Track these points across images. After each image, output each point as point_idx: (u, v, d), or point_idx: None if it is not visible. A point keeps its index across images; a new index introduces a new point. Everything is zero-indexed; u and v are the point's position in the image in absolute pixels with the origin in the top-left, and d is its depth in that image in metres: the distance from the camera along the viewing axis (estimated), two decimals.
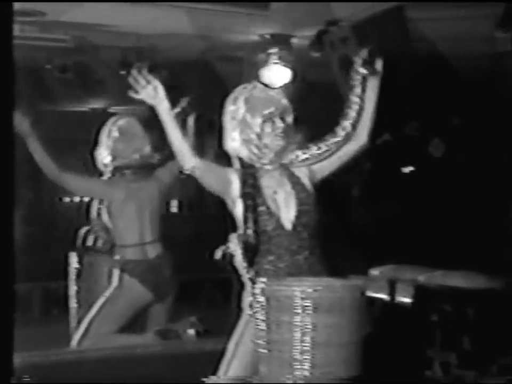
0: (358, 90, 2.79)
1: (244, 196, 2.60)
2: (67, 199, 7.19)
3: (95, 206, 4.03)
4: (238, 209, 2.63)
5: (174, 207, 7.54)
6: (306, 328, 2.30)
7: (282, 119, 2.67)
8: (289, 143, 2.67)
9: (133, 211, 3.91)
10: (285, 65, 5.49)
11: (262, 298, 2.38)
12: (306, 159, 2.73)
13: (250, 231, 2.56)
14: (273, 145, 2.64)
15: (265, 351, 2.36)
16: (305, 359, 2.29)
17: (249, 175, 2.64)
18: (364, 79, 2.79)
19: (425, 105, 5.57)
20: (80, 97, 6.61)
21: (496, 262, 4.50)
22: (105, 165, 3.99)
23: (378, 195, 5.76)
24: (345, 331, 2.32)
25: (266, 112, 2.64)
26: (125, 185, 3.95)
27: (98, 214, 3.99)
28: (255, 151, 2.64)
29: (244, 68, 5.59)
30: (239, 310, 2.64)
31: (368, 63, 2.74)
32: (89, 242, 4.07)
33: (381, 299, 3.99)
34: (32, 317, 5.67)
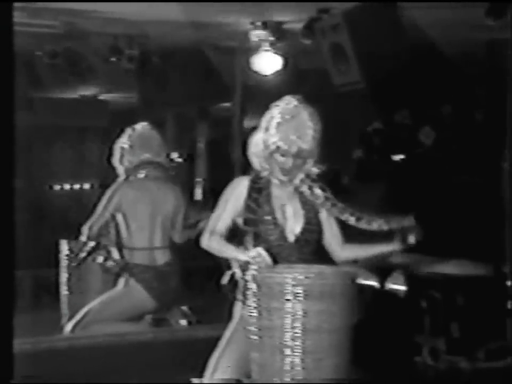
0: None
1: (247, 208, 2.60)
2: (57, 187, 7.17)
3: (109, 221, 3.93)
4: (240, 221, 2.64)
5: (198, 193, 7.51)
6: (297, 314, 2.31)
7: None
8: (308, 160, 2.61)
9: (146, 214, 3.86)
10: (276, 53, 5.47)
11: (253, 285, 2.39)
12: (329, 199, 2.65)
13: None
14: (290, 168, 2.60)
15: (256, 337, 2.38)
16: (296, 345, 2.31)
17: (256, 189, 2.62)
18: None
19: (416, 93, 5.58)
20: (71, 84, 6.56)
21: (485, 249, 4.53)
22: (119, 164, 3.96)
23: (369, 183, 5.78)
24: (336, 318, 2.34)
25: (293, 137, 2.57)
26: (140, 186, 3.91)
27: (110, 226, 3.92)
28: (280, 158, 2.59)
29: (235, 55, 5.57)
30: (234, 298, 2.64)
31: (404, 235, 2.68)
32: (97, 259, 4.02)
33: (371, 286, 4.03)
34: (22, 304, 5.67)
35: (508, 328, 4.19)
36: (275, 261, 2.52)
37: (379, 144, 6.13)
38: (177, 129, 7.33)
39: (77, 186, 6.64)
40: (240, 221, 2.64)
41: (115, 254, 3.92)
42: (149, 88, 6.42)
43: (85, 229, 3.83)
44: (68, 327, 3.90)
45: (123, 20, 5.17)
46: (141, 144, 3.94)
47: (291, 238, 2.60)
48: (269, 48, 5.44)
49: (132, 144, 3.94)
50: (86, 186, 6.24)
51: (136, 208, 3.86)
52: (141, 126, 4.02)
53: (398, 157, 6.09)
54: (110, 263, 3.90)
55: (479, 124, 5.65)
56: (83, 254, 3.94)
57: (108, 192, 3.90)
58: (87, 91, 7.31)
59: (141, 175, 3.92)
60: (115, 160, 3.99)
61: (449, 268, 4.30)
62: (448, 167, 5.69)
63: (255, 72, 5.49)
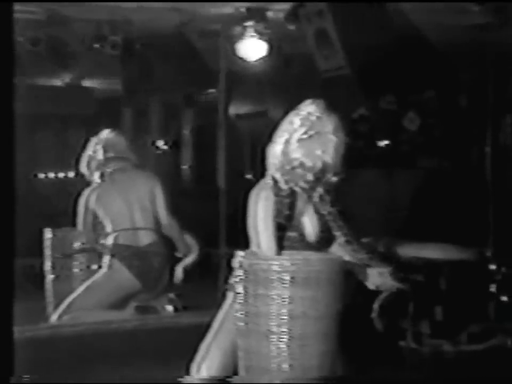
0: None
1: (277, 225, 2.51)
2: (42, 176, 7.12)
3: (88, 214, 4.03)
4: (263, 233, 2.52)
5: (160, 144, 7.48)
6: (283, 301, 2.33)
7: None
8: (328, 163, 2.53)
9: (121, 199, 3.97)
10: (260, 39, 5.45)
11: (240, 271, 2.40)
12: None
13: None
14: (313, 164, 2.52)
15: (242, 324, 2.39)
16: (283, 331, 2.33)
17: (285, 204, 2.53)
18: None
19: (401, 78, 5.59)
20: (53, 71, 6.50)
21: (468, 233, 4.57)
22: (93, 168, 4.05)
23: (355, 169, 5.80)
24: (322, 304, 2.35)
25: (318, 152, 2.49)
26: (111, 177, 4.01)
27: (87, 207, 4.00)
28: (301, 172, 2.52)
29: (219, 41, 5.54)
30: (225, 285, 2.64)
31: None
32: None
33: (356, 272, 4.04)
34: None
35: (490, 311, 4.25)
36: None
37: (364, 130, 6.15)
38: (162, 116, 7.29)
39: (61, 174, 6.60)
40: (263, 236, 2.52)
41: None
42: (133, 75, 6.38)
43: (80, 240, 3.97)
44: (54, 316, 3.90)
45: (106, 5, 5.12)
46: (106, 148, 4.04)
47: (312, 239, 2.57)
48: (253, 34, 5.42)
49: (98, 150, 4.05)
50: (71, 174, 6.20)
51: (111, 199, 4.00)
52: (106, 133, 4.13)
53: (383, 143, 6.11)
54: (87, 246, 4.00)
55: (462, 109, 5.68)
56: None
57: (82, 200, 3.98)
58: (71, 78, 7.24)
59: (109, 169, 4.00)
60: (83, 168, 4.09)
61: (433, 253, 4.34)
62: (432, 152, 5.72)
63: (240, 58, 5.46)
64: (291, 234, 2.55)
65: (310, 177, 2.52)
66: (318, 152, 2.51)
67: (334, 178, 2.56)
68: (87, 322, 3.77)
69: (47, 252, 4.19)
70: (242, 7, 5.30)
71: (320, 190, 2.56)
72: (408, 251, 4.42)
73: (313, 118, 2.53)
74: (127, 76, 6.55)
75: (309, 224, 2.57)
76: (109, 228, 3.97)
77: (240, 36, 5.43)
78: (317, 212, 2.57)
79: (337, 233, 2.58)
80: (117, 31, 5.38)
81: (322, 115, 2.54)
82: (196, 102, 7.29)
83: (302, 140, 2.51)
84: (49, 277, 4.17)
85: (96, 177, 4.05)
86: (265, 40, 5.48)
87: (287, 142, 2.53)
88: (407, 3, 4.97)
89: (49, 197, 5.98)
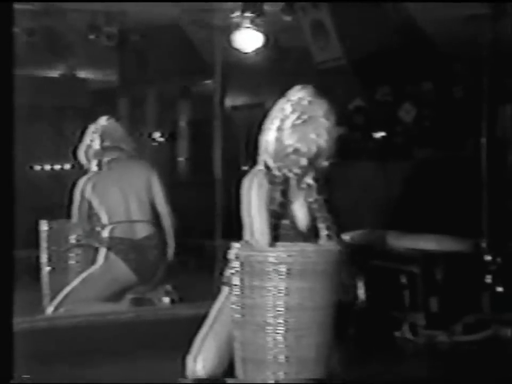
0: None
1: (271, 212, 2.51)
2: (37, 167, 7.10)
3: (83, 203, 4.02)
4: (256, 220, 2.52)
5: (157, 136, 7.47)
6: (279, 292, 2.33)
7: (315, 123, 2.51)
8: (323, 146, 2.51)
9: (116, 190, 3.95)
10: (256, 30, 5.44)
11: (236, 263, 2.40)
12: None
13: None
14: (306, 150, 2.51)
15: (239, 315, 2.40)
16: (279, 323, 2.33)
17: (278, 191, 2.53)
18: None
19: (396, 69, 5.59)
20: (49, 62, 6.47)
21: (463, 225, 4.58)
22: (91, 156, 4.04)
23: (350, 161, 5.80)
24: (318, 295, 2.36)
25: (312, 136, 2.48)
26: (105, 170, 4.00)
27: (83, 197, 4.00)
28: (295, 157, 2.52)
29: (215, 32, 5.52)
30: (221, 277, 2.65)
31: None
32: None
33: (351, 264, 4.05)
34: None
35: (485, 302, 4.27)
36: None
37: (361, 122, 6.14)
38: (158, 108, 7.27)
39: (57, 166, 6.59)
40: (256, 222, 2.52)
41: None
42: (129, 66, 6.36)
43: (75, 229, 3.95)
44: (50, 308, 3.90)
45: None
46: (103, 137, 4.03)
47: (303, 229, 2.59)
48: (249, 25, 5.40)
49: (95, 138, 4.04)
50: (67, 166, 6.19)
51: (107, 189, 3.97)
52: (104, 120, 4.11)
53: (379, 134, 6.11)
54: (85, 240, 3.99)
55: (458, 100, 5.68)
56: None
57: (77, 189, 3.97)
58: (66, 69, 7.21)
59: (106, 158, 4.00)
60: (81, 157, 4.08)
61: (428, 244, 4.35)
62: (427, 143, 5.73)
63: (236, 49, 5.45)
64: (285, 222, 2.55)
65: (304, 162, 2.52)
66: (312, 136, 2.50)
67: (325, 163, 2.55)
68: (83, 314, 3.77)
69: (43, 244, 4.19)
70: None
71: (308, 177, 2.56)
72: (404, 242, 4.43)
73: (305, 102, 2.53)
74: (122, 67, 6.53)
75: (300, 212, 2.58)
76: (104, 219, 3.96)
77: (236, 27, 5.41)
78: (305, 199, 2.58)
79: (320, 225, 2.57)
80: (113, 22, 5.36)
81: (313, 100, 2.54)
82: (191, 93, 7.27)
83: (295, 125, 2.51)
84: (46, 269, 4.17)
85: (93, 165, 4.04)
86: (261, 32, 5.46)
87: (280, 128, 2.52)
88: None
89: (45, 189, 5.96)
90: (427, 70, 5.68)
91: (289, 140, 2.51)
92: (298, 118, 2.51)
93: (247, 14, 5.32)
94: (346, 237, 4.16)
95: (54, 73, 7.22)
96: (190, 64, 6.16)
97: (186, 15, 5.46)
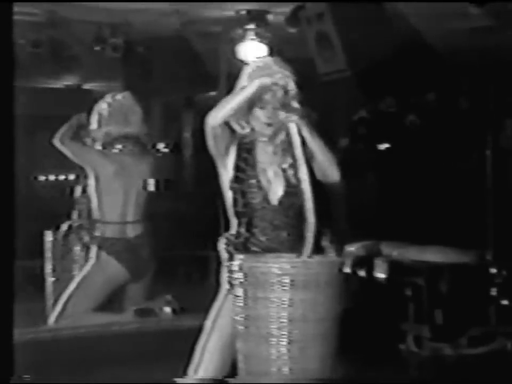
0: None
1: (237, 168, 2.58)
2: (42, 178, 7.11)
3: (81, 183, 3.99)
4: (226, 179, 2.61)
5: (151, 185, 7.52)
6: (283, 304, 2.32)
7: (284, 90, 2.54)
8: (289, 115, 2.52)
9: (119, 187, 3.90)
10: (261, 42, 5.46)
11: (239, 275, 2.40)
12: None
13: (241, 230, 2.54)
14: (273, 118, 2.55)
15: (242, 327, 2.39)
16: (282, 334, 2.32)
17: (244, 149, 2.60)
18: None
19: (401, 80, 5.59)
20: (54, 73, 6.50)
21: (469, 236, 4.57)
22: (95, 135, 3.94)
23: (355, 172, 5.80)
24: (321, 307, 2.35)
25: (275, 68, 2.54)
26: (117, 159, 3.93)
27: (84, 191, 3.96)
28: (261, 115, 2.56)
29: (220, 44, 5.55)
30: (217, 285, 2.65)
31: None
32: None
33: (356, 275, 4.05)
34: None
35: (491, 315, 4.24)
36: (264, 247, 2.53)
37: (365, 133, 6.15)
38: (162, 119, 7.29)
39: (62, 177, 6.60)
40: (226, 181, 2.62)
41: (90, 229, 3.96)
42: (134, 77, 6.38)
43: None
44: (51, 318, 3.90)
45: (106, 8, 5.13)
46: (120, 115, 3.92)
47: (274, 201, 2.59)
48: (254, 37, 5.42)
49: (111, 113, 3.91)
50: (71, 177, 6.20)
51: (110, 183, 3.88)
52: (122, 96, 4.00)
53: (383, 146, 6.11)
54: (86, 238, 3.96)
55: (463, 111, 5.68)
56: None
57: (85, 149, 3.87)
58: (71, 80, 7.24)
59: (116, 149, 3.93)
60: (92, 125, 3.97)
61: (433, 256, 4.33)
62: (432, 155, 5.72)
63: (241, 60, 5.47)
64: (252, 181, 2.55)
65: (268, 113, 2.52)
66: (275, 68, 2.53)
67: (296, 105, 2.52)
68: (87, 325, 3.77)
69: (48, 254, 4.19)
70: (243, 9, 5.30)
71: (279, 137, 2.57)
72: (409, 254, 4.41)
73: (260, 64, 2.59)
74: (127, 78, 6.55)
75: (274, 183, 2.58)
76: (96, 215, 3.90)
77: (241, 39, 5.43)
78: (279, 165, 2.58)
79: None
80: (118, 33, 5.39)
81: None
82: (196, 104, 7.29)
83: (251, 73, 2.54)
84: (50, 280, 4.17)
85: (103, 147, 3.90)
86: (266, 43, 5.48)
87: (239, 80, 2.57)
88: (408, 7, 4.98)
89: (49, 199, 5.97)
90: (432, 82, 5.69)
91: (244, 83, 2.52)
92: (252, 67, 2.58)
93: (252, 26, 5.35)
94: (351, 248, 4.15)
95: (59, 84, 7.26)
96: (194, 75, 6.18)
97: (191, 27, 5.49)
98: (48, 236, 4.21)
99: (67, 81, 7.29)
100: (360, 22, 5.13)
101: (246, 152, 2.60)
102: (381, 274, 4.14)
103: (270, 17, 5.46)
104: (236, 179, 2.59)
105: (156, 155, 4.11)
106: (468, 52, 5.43)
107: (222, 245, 2.64)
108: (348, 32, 5.24)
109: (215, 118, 2.52)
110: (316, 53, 5.35)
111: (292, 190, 2.60)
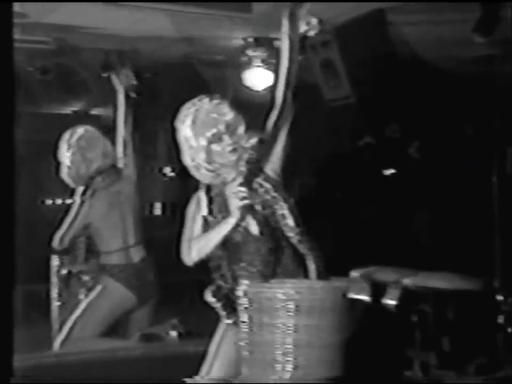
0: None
1: (210, 212, 2.62)
2: (49, 202, 7.14)
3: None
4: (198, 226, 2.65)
5: (157, 209, 7.55)
6: (288, 329, 2.32)
7: (231, 134, 2.61)
8: (243, 152, 2.62)
9: (117, 217, 3.93)
10: (268, 68, 5.50)
11: (244, 300, 2.39)
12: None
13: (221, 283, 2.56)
14: (226, 161, 2.60)
15: (247, 353, 2.38)
16: (288, 360, 2.31)
17: (214, 194, 2.64)
18: None
19: (405, 107, 5.63)
20: (62, 99, 6.57)
21: (476, 263, 4.55)
22: (76, 177, 3.99)
23: (360, 197, 5.80)
24: (326, 332, 2.34)
25: (209, 134, 2.58)
26: (104, 194, 3.96)
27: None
28: (208, 173, 2.61)
29: (227, 71, 5.60)
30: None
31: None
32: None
33: (361, 301, 4.03)
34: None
35: (498, 343, 4.20)
36: (256, 277, 2.54)
37: (370, 159, 6.17)
38: (169, 143, 7.33)
39: (69, 201, 6.62)
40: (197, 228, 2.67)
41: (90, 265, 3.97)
42: (141, 103, 6.44)
43: (55, 241, 3.89)
44: (56, 343, 3.89)
45: (114, 35, 5.20)
46: (86, 150, 3.94)
47: (255, 231, 2.60)
48: (260, 64, 5.47)
49: (76, 151, 3.94)
50: (78, 200, 6.23)
51: (105, 216, 3.92)
52: (83, 129, 4.04)
53: (388, 171, 6.12)
54: (84, 278, 3.96)
55: (468, 138, 5.70)
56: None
57: (75, 206, 3.94)
58: (79, 107, 7.31)
59: (99, 183, 3.96)
60: (63, 173, 4.02)
61: (440, 282, 4.31)
62: (437, 182, 5.73)
63: (247, 87, 5.51)
64: (235, 234, 2.56)
65: (225, 151, 2.57)
66: (214, 115, 2.60)
67: (253, 140, 2.65)
68: (92, 350, 3.75)
69: (54, 279, 4.19)
70: (250, 36, 5.36)
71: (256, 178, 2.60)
72: (415, 281, 4.39)
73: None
74: (135, 104, 6.61)
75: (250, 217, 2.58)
76: (101, 247, 3.93)
77: (247, 65, 5.48)
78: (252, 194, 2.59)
79: (309, 262, 2.57)
80: (125, 60, 5.45)
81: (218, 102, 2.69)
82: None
83: (192, 121, 2.64)
84: (55, 304, 4.17)
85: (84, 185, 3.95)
86: (272, 70, 5.53)
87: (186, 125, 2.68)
88: (413, 34, 5.02)
89: (56, 223, 6.00)
90: (437, 108, 5.72)
91: (188, 134, 2.63)
92: (194, 115, 2.65)
93: (258, 52, 5.40)
94: (356, 273, 4.13)
95: (67, 110, 7.33)
96: None
97: (198, 53, 5.55)
98: (55, 261, 4.21)
99: (75, 107, 7.36)
100: (365, 50, 5.18)
101: (212, 202, 2.64)
102: (391, 301, 4.12)
103: (276, 44, 5.52)
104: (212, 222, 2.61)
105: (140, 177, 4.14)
106: (473, 80, 5.47)
107: (209, 298, 2.64)
108: (352, 59, 5.29)
109: (192, 259, 2.63)
110: (322, 79, 5.40)
111: (266, 213, 2.61)
